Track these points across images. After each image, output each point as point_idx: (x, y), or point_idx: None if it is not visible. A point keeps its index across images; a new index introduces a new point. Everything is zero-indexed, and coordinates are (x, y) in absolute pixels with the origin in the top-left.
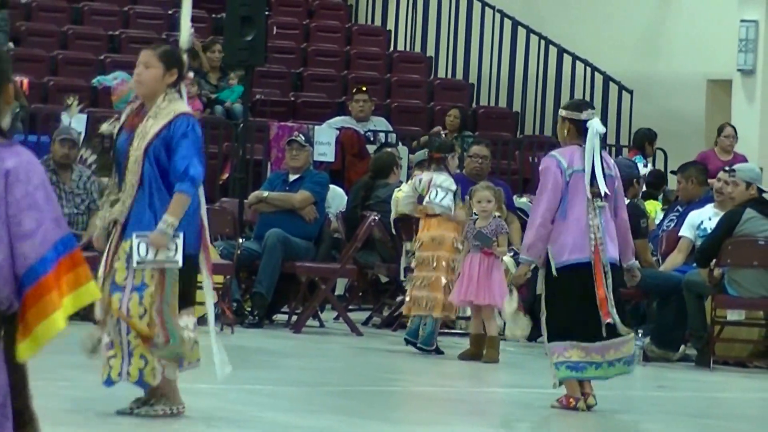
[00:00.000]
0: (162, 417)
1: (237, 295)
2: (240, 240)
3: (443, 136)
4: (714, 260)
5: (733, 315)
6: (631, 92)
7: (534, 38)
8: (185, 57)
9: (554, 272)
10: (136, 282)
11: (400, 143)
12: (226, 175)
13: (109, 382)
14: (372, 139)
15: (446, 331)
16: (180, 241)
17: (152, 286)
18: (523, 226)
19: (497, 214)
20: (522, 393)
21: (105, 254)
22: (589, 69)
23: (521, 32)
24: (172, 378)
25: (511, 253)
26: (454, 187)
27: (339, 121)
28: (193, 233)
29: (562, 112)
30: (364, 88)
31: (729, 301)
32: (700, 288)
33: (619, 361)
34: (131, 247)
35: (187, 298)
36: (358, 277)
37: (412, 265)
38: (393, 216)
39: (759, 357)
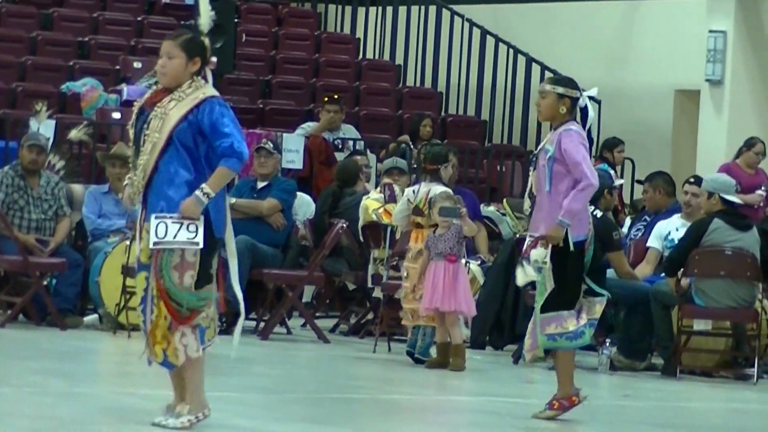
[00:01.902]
0: (189, 429)
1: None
2: None
3: (410, 144)
4: (681, 270)
5: (699, 325)
6: (599, 102)
7: (503, 47)
8: (207, 41)
9: (572, 247)
10: (143, 260)
11: (368, 151)
12: None
13: (149, 361)
14: (340, 146)
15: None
16: (200, 224)
17: (170, 265)
18: (490, 235)
19: (456, 221)
20: (488, 401)
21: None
22: None
23: (490, 41)
24: (194, 356)
25: (478, 262)
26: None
27: (307, 128)
28: (221, 219)
29: (559, 89)
30: (336, 96)
31: (696, 310)
32: (667, 298)
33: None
34: (150, 229)
35: (207, 277)
36: (326, 285)
37: (404, 274)
38: (361, 223)
39: (725, 367)
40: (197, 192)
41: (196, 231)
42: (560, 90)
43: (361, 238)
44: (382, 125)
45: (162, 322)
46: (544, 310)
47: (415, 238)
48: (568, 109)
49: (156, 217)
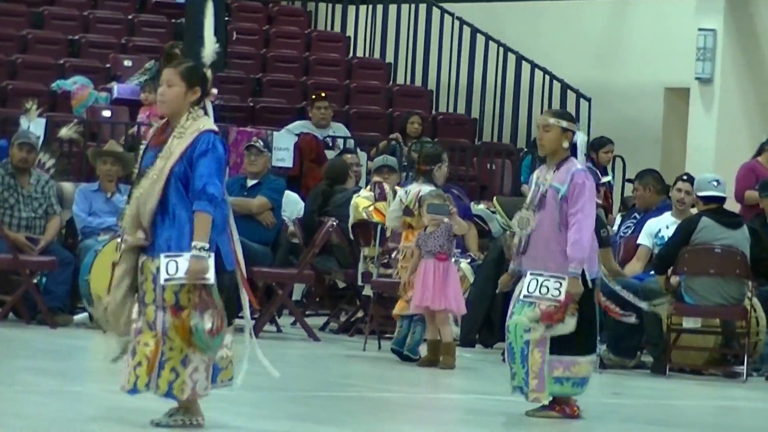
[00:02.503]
0: (180, 427)
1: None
2: None
3: (401, 142)
4: (671, 268)
5: (689, 323)
6: (589, 100)
7: (493, 45)
8: (209, 72)
9: (590, 284)
10: (168, 302)
11: (358, 149)
12: None
13: (134, 390)
14: (331, 144)
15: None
16: (211, 261)
17: (190, 307)
18: (480, 233)
19: (446, 219)
20: (478, 399)
21: (121, 269)
22: (547, 77)
23: (480, 39)
24: (203, 394)
25: (468, 260)
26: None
27: (298, 126)
28: (227, 251)
29: (563, 123)
30: (323, 94)
31: (685, 308)
32: (657, 295)
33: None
34: (159, 267)
35: (230, 316)
36: (316, 283)
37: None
38: (351, 221)
39: (714, 365)
40: (193, 251)
41: (207, 267)
42: (564, 124)
43: (351, 236)
44: (372, 123)
45: (176, 355)
46: (554, 351)
47: (406, 238)
48: (569, 143)
49: (165, 256)
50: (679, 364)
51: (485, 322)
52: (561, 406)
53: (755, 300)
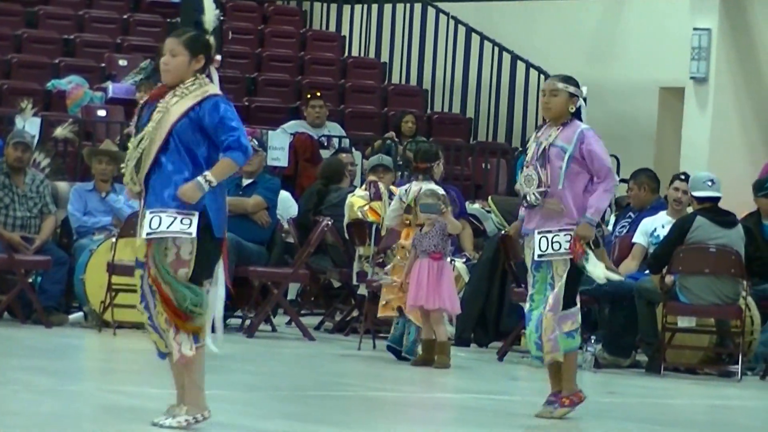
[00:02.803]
0: (186, 429)
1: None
2: None
3: (396, 141)
4: (665, 267)
5: (683, 322)
6: (584, 99)
7: (488, 45)
8: (212, 40)
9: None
10: (140, 257)
11: (353, 148)
12: None
13: (161, 355)
14: (326, 144)
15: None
16: (195, 219)
17: (168, 258)
18: (475, 232)
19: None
20: (473, 398)
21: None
22: (542, 76)
23: (475, 39)
24: (188, 353)
25: (463, 260)
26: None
27: (293, 125)
28: (221, 218)
29: (570, 88)
30: (318, 93)
31: (680, 308)
32: (652, 295)
33: None
34: (144, 223)
35: (209, 272)
36: (311, 282)
37: (385, 271)
38: (346, 221)
39: (709, 364)
40: (199, 178)
41: (190, 223)
42: (571, 89)
43: (346, 236)
44: (367, 122)
45: (161, 318)
46: (564, 307)
47: (406, 236)
48: (575, 107)
49: (151, 212)
50: (674, 363)
51: (480, 321)
52: (568, 398)
53: (750, 299)
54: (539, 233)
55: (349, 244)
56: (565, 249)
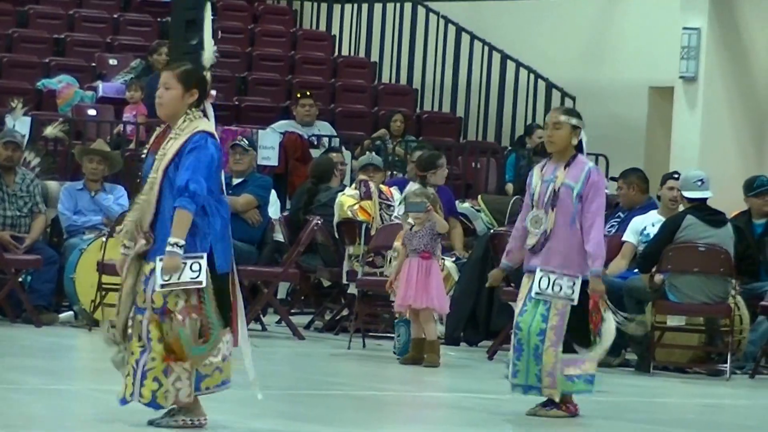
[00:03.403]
0: (182, 428)
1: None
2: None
3: (388, 140)
4: (655, 266)
5: (673, 321)
6: (573, 99)
7: (478, 44)
8: (208, 75)
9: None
10: (157, 305)
11: (343, 147)
12: None
13: (123, 401)
14: (316, 143)
15: (388, 335)
16: (203, 261)
17: (176, 311)
18: (465, 231)
19: (421, 214)
20: (463, 397)
21: (127, 285)
22: (532, 75)
23: (465, 38)
24: (186, 402)
25: (453, 258)
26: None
27: (283, 125)
28: (222, 251)
29: (573, 121)
30: (308, 93)
31: (669, 306)
32: (641, 293)
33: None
34: (154, 270)
35: (223, 311)
36: (301, 281)
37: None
38: (336, 220)
39: (698, 362)
40: (167, 247)
41: (199, 270)
42: (574, 122)
43: (337, 235)
44: (357, 122)
45: (158, 365)
46: (567, 350)
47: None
48: (578, 140)
49: (160, 259)
50: (664, 362)
51: (470, 320)
52: (566, 405)
53: (739, 298)
54: (542, 271)
55: (339, 243)
56: (565, 294)
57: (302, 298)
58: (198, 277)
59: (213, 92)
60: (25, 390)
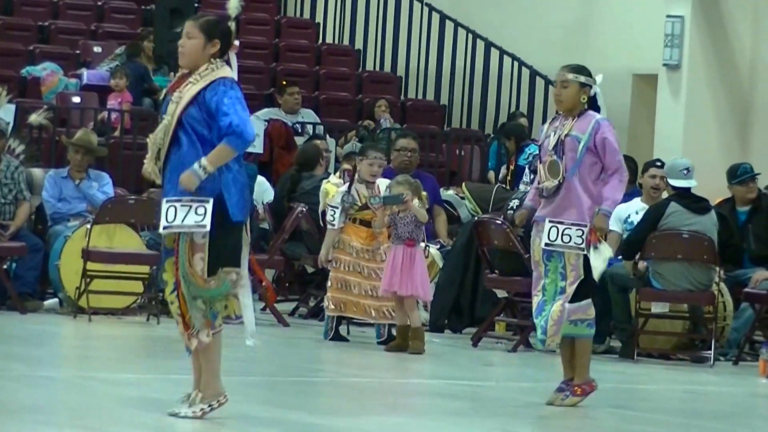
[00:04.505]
0: (201, 417)
1: (163, 285)
2: None
3: (371, 129)
4: (639, 253)
5: (657, 308)
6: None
7: (462, 32)
8: (233, 26)
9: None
10: (168, 245)
11: (327, 135)
12: None
13: (188, 351)
14: (300, 131)
15: (372, 322)
16: (209, 206)
17: (183, 253)
18: (450, 219)
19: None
20: (447, 384)
21: None
22: (516, 63)
23: (449, 26)
24: (205, 340)
25: (437, 246)
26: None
27: (268, 112)
28: (236, 202)
29: (581, 78)
30: (284, 82)
31: (653, 293)
32: (625, 281)
33: None
34: (161, 212)
35: (235, 259)
36: (285, 268)
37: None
38: (321, 207)
39: (682, 349)
40: (195, 165)
41: (204, 214)
42: (582, 79)
43: (321, 222)
44: (341, 109)
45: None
46: (574, 299)
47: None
48: (587, 98)
49: (166, 201)
50: (647, 349)
51: (454, 307)
52: (580, 387)
53: (722, 285)
54: (550, 222)
55: (323, 230)
56: (575, 243)
57: (287, 285)
58: (202, 220)
59: (236, 42)
60: (10, 377)
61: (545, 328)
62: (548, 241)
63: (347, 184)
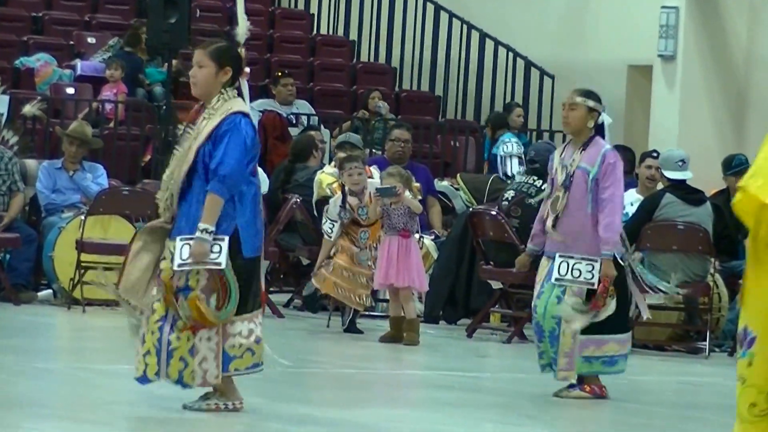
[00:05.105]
0: (215, 411)
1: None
2: None
3: (366, 119)
4: (634, 244)
5: (652, 299)
6: (552, 77)
7: (456, 23)
8: (242, 52)
9: (620, 262)
10: (180, 284)
11: (322, 126)
12: (148, 157)
13: (144, 379)
14: (294, 122)
15: (366, 313)
16: (224, 244)
17: (197, 289)
18: (444, 210)
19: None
20: (442, 375)
21: (137, 245)
22: (511, 54)
23: (444, 16)
24: (214, 382)
25: (432, 237)
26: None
27: (262, 103)
28: (250, 236)
29: (590, 103)
30: (279, 73)
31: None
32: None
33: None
34: (174, 250)
35: (245, 304)
36: (280, 260)
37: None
38: (315, 198)
39: (677, 340)
40: (197, 233)
41: (219, 252)
42: (591, 104)
43: (316, 213)
44: (336, 101)
45: (184, 344)
46: (588, 331)
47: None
48: (594, 123)
49: (181, 239)
50: (643, 341)
51: (449, 298)
52: (590, 386)
53: (717, 276)
54: (561, 257)
55: (318, 221)
56: (585, 278)
57: (281, 276)
58: (218, 258)
59: (247, 69)
60: (4, 369)
61: (555, 359)
62: (558, 276)
63: (341, 197)
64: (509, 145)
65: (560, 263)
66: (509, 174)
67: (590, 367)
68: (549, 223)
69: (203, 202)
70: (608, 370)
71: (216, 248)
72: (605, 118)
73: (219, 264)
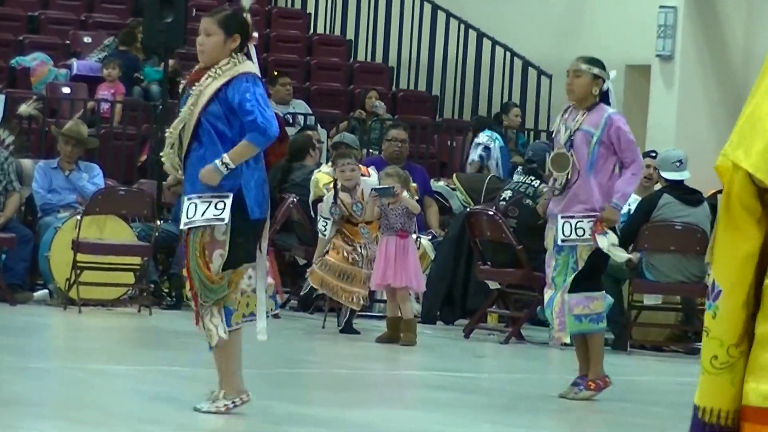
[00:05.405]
0: (225, 413)
1: (155, 276)
2: (158, 222)
3: (362, 119)
4: (631, 245)
5: (650, 299)
6: (550, 77)
7: (453, 22)
8: (248, 17)
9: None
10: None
11: (319, 126)
12: (144, 157)
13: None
14: (291, 121)
15: (363, 313)
16: (229, 201)
17: (193, 248)
18: (441, 210)
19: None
20: (439, 376)
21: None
22: (508, 53)
23: (441, 16)
24: (224, 336)
25: (429, 237)
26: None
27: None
28: (255, 199)
29: (594, 70)
30: (276, 73)
31: (646, 285)
32: (618, 272)
33: None
34: (182, 209)
35: (251, 256)
36: (276, 259)
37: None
38: (312, 198)
39: (675, 341)
40: (217, 161)
41: (224, 208)
42: (595, 71)
43: (312, 213)
44: (332, 100)
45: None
46: (573, 290)
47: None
48: (599, 90)
49: (187, 199)
50: (640, 341)
51: (446, 299)
52: (595, 381)
53: None
54: (563, 218)
55: (314, 221)
56: (589, 235)
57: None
58: (221, 214)
59: (255, 34)
60: (1, 369)
61: (551, 323)
62: (563, 237)
63: (333, 194)
64: (481, 137)
65: (563, 224)
66: (495, 167)
67: (580, 326)
68: (559, 178)
69: (205, 161)
70: (595, 327)
71: (220, 205)
72: (609, 85)
73: (222, 219)
